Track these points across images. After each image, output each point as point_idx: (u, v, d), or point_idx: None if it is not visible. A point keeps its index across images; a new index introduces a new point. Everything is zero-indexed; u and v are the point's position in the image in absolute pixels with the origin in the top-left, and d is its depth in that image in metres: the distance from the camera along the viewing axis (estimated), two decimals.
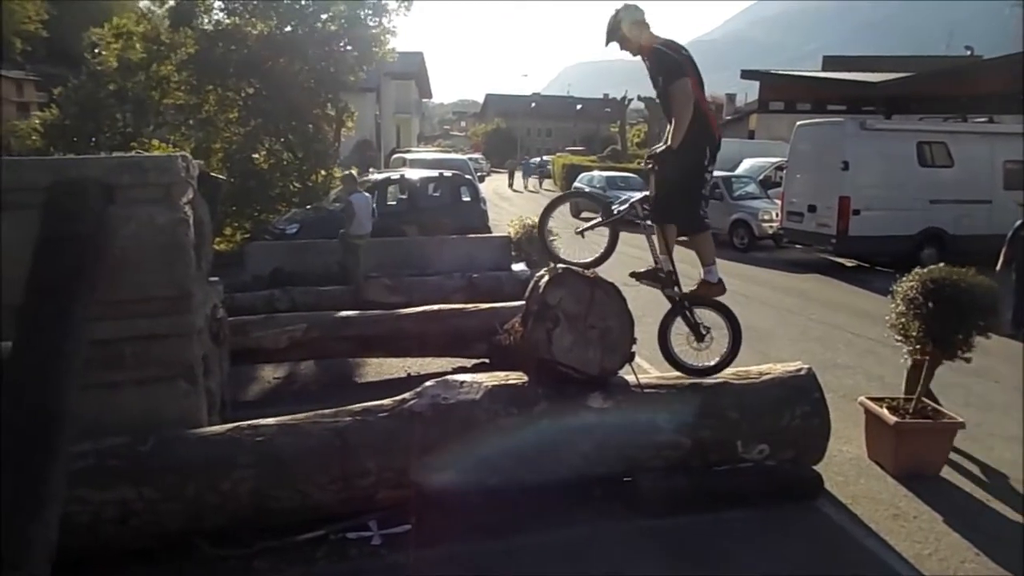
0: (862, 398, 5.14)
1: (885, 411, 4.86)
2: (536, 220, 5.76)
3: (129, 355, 3.89)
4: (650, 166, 4.61)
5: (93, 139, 13.98)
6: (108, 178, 3.76)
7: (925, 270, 4.76)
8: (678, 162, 4.42)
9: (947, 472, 4.81)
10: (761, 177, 18.73)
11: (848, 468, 4.88)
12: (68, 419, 2.93)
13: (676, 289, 4.69)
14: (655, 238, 4.70)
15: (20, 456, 2.71)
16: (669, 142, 4.36)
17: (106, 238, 3.57)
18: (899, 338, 4.86)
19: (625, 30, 4.52)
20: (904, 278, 4.85)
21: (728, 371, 4.69)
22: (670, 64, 4.37)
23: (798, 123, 14.48)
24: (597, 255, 4.74)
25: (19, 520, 2.57)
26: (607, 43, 4.68)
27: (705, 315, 4.77)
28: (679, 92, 4.30)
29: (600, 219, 4.83)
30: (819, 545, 3.96)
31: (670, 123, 4.41)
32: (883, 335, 5.49)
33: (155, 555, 3.47)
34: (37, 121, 15.08)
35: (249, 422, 3.87)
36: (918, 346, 4.74)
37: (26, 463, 2.68)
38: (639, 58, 4.60)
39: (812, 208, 13.25)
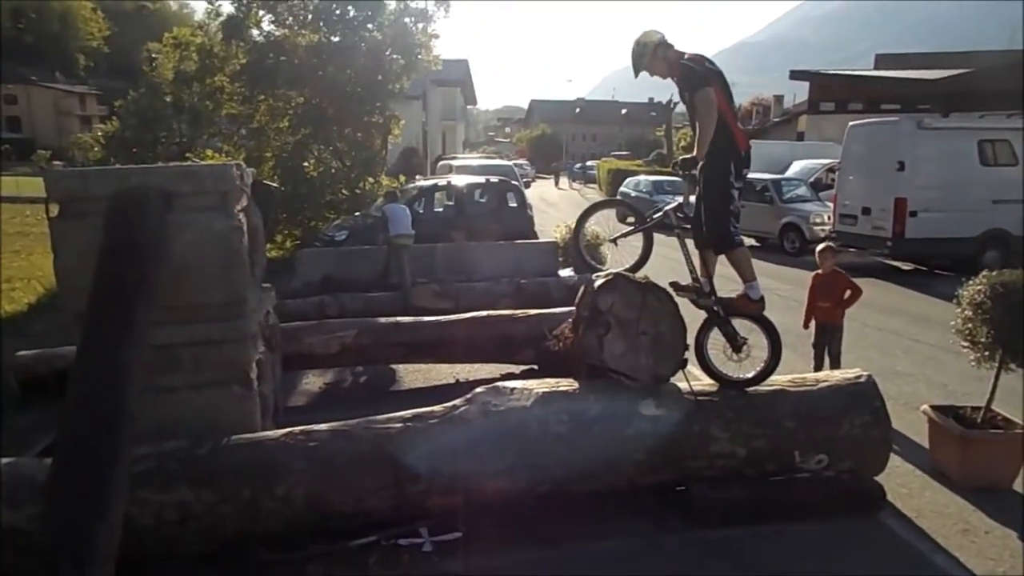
0: (925, 406, 4.94)
1: (951, 420, 4.67)
2: None
3: (186, 360, 3.97)
4: (679, 173, 4.55)
5: (151, 152, 14.42)
6: (168, 186, 3.85)
7: (994, 273, 4.57)
8: (702, 180, 4.38)
9: (1019, 485, 4.57)
10: (812, 179, 18.31)
11: (911, 480, 4.71)
12: (130, 422, 2.99)
13: (712, 298, 4.59)
14: (689, 245, 4.62)
15: (85, 458, 2.78)
16: (695, 152, 4.30)
17: (166, 245, 3.65)
18: (965, 344, 4.66)
19: (650, 56, 4.50)
20: (971, 281, 4.66)
21: (784, 378, 4.57)
22: (693, 76, 4.33)
23: (851, 123, 14.10)
24: (632, 262, 4.70)
25: (85, 520, 2.64)
26: (636, 74, 4.65)
27: (742, 325, 4.61)
28: (701, 101, 4.24)
29: (634, 227, 4.78)
30: (884, 560, 3.81)
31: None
32: (946, 341, 5.28)
33: (212, 558, 3.52)
34: (99, 133, 15.64)
35: (302, 427, 3.91)
36: (986, 352, 4.55)
37: (91, 465, 2.75)
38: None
39: (866, 211, 12.89)
